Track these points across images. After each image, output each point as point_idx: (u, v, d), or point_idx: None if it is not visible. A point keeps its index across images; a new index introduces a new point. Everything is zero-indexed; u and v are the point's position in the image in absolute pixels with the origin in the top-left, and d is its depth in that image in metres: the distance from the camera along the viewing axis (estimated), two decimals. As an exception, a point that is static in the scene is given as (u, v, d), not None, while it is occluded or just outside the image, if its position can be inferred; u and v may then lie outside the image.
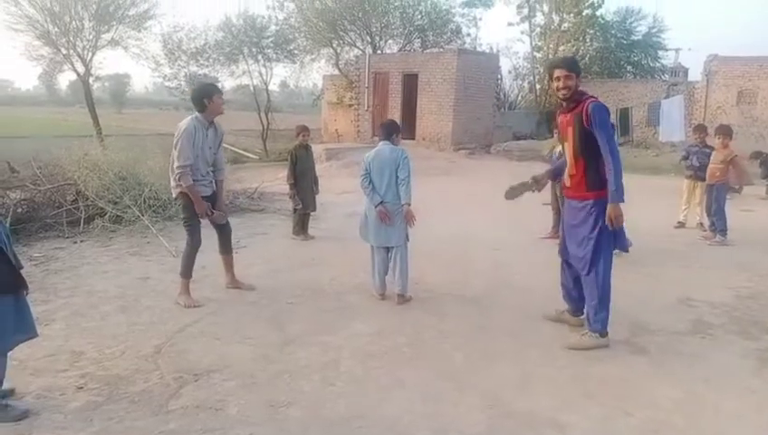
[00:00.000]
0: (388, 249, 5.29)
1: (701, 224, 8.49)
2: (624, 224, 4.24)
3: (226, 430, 3.15)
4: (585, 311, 4.50)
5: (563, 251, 4.62)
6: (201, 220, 5.13)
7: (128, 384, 3.61)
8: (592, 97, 4.26)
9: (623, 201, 4.11)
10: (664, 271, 6.36)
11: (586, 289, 4.40)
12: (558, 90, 4.28)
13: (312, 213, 7.80)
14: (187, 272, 5.14)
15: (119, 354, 4.02)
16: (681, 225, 8.65)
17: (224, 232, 5.41)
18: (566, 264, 4.64)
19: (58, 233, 7.21)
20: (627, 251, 4.52)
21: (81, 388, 3.56)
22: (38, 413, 3.25)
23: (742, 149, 7.32)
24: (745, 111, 17.49)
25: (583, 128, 4.16)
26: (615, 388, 3.72)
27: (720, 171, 7.79)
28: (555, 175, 4.77)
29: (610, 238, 4.27)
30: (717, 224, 7.76)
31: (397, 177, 5.14)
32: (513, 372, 3.90)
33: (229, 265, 5.52)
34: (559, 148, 7.44)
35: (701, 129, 8.79)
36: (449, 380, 3.77)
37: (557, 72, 4.25)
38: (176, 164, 4.87)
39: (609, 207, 4.10)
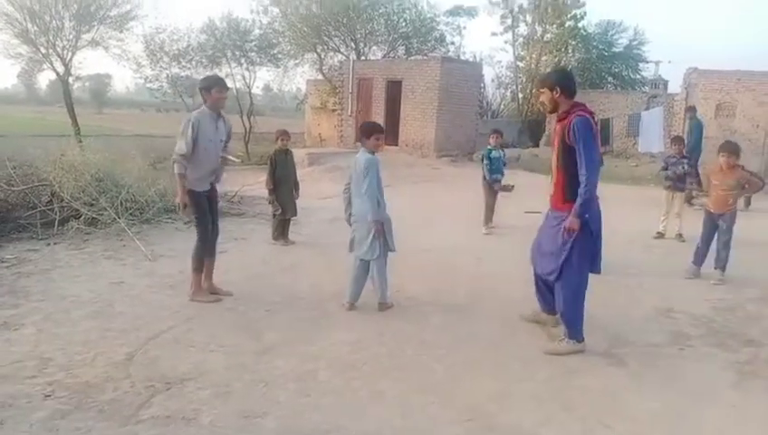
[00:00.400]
0: (367, 261, 5.13)
1: (680, 235, 8.56)
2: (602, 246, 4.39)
3: (198, 442, 3.06)
4: (562, 320, 4.48)
5: (533, 259, 4.71)
6: (205, 216, 5.21)
7: (97, 392, 3.49)
8: (582, 110, 4.22)
9: (583, 218, 4.14)
10: (643, 282, 6.37)
11: (558, 296, 4.41)
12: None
13: (292, 218, 7.71)
14: (199, 266, 5.21)
15: (89, 361, 3.90)
16: (660, 235, 8.70)
17: (213, 232, 5.40)
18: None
19: (31, 234, 7.04)
20: (598, 273, 4.50)
21: (49, 396, 3.44)
22: (2, 422, 3.13)
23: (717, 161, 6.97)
24: (723, 124, 17.71)
25: (564, 140, 4.18)
26: (595, 401, 3.69)
27: (733, 198, 6.49)
28: None
29: (584, 249, 4.26)
30: (722, 256, 6.49)
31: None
32: (494, 385, 3.85)
33: (210, 270, 5.44)
34: (493, 152, 8.60)
35: (678, 140, 9.07)
36: (429, 392, 3.71)
37: (539, 90, 4.44)
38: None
39: (569, 217, 4.14)
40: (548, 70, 28.02)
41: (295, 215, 7.72)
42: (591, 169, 4.06)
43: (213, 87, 5.08)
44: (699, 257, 6.70)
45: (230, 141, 5.55)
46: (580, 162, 4.08)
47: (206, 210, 5.23)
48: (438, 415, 3.44)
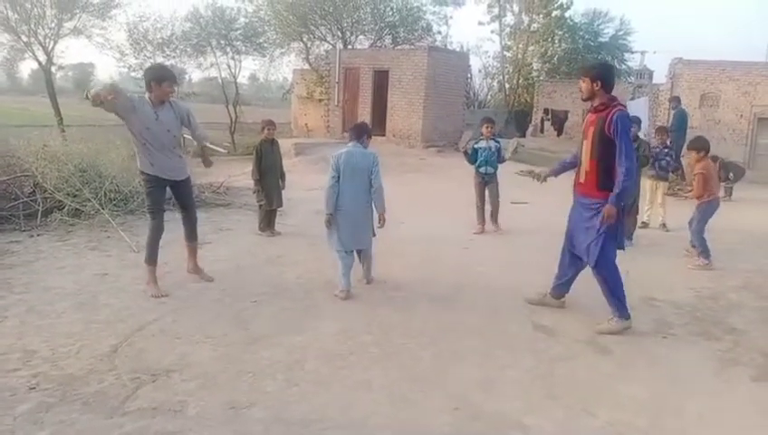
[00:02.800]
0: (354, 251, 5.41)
1: (663, 224, 8.65)
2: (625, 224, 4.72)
3: (184, 433, 3.04)
4: (608, 302, 4.67)
5: (569, 241, 4.86)
6: (163, 207, 5.18)
7: (82, 385, 3.47)
8: (621, 106, 4.46)
9: (620, 207, 4.43)
10: (628, 270, 6.40)
11: (599, 283, 4.67)
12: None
13: (279, 209, 7.68)
14: (150, 258, 5.07)
15: (74, 353, 3.87)
16: (645, 225, 8.77)
17: (189, 220, 5.36)
18: (569, 252, 4.89)
19: (14, 226, 6.95)
20: (623, 249, 4.77)
21: (33, 388, 3.41)
22: (-15, 416, 3.11)
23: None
24: (708, 114, 17.87)
25: (603, 132, 4.39)
26: (579, 389, 3.72)
27: (695, 188, 6.95)
28: (557, 173, 5.18)
29: (615, 230, 4.53)
30: (696, 244, 6.82)
31: (370, 183, 5.19)
32: (480, 373, 3.87)
33: (192, 252, 5.48)
34: (482, 142, 8.02)
35: (662, 130, 9.15)
36: (416, 381, 3.73)
37: (581, 77, 4.59)
38: None
39: (606, 205, 4.37)
40: (531, 59, 28.12)
41: (281, 206, 7.69)
42: (631, 161, 4.34)
43: (163, 81, 4.85)
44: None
45: (197, 126, 5.29)
46: (619, 154, 4.33)
47: (157, 200, 5.07)
48: (425, 403, 3.46)
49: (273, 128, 7.65)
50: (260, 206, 7.53)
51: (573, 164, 4.90)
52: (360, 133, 5.36)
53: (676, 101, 13.32)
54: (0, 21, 19.22)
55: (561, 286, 5.06)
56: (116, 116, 4.82)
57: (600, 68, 4.71)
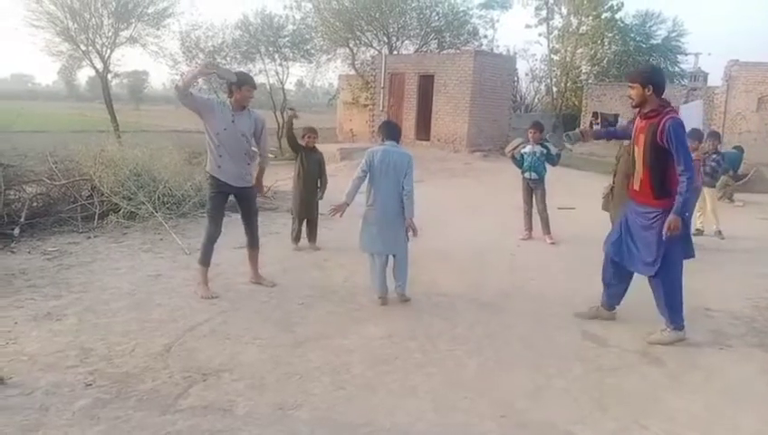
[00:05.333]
0: (388, 255, 5.22)
1: (719, 232, 8.35)
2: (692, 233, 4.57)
3: (234, 432, 3.11)
4: (660, 311, 4.56)
5: (614, 250, 4.71)
6: (223, 213, 5.28)
7: (136, 382, 3.58)
8: (673, 112, 4.31)
9: (685, 216, 4.31)
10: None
11: (655, 290, 4.53)
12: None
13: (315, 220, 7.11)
14: (203, 259, 5.21)
15: (128, 352, 4.00)
16: (699, 232, 8.48)
17: (250, 227, 5.45)
18: (612, 261, 4.76)
19: (72, 228, 7.23)
20: (693, 257, 4.61)
21: (90, 385, 3.54)
22: (47, 409, 3.24)
23: (764, 155, 7.08)
24: (766, 118, 17.20)
25: (655, 140, 4.25)
26: (630, 400, 3.64)
27: None
28: (598, 136, 5.20)
29: (680, 244, 4.40)
30: None
31: (402, 185, 5.07)
32: (527, 382, 3.83)
33: (253, 259, 5.56)
34: (528, 147, 7.84)
35: (714, 135, 8.81)
36: (462, 387, 3.71)
37: (629, 84, 4.46)
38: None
39: (671, 216, 4.22)
40: (579, 62, 27.64)
41: (310, 217, 7.03)
42: (691, 171, 4.21)
43: (243, 84, 5.05)
44: None
45: (265, 140, 5.42)
46: (679, 163, 4.19)
47: (218, 206, 5.20)
48: (471, 410, 3.44)
49: (315, 136, 7.20)
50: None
51: (620, 136, 5.04)
52: (398, 133, 5.37)
53: (738, 149, 12.97)
54: (60, 31, 20.06)
55: (611, 299, 4.91)
56: (198, 115, 5.06)
57: (649, 72, 4.55)
